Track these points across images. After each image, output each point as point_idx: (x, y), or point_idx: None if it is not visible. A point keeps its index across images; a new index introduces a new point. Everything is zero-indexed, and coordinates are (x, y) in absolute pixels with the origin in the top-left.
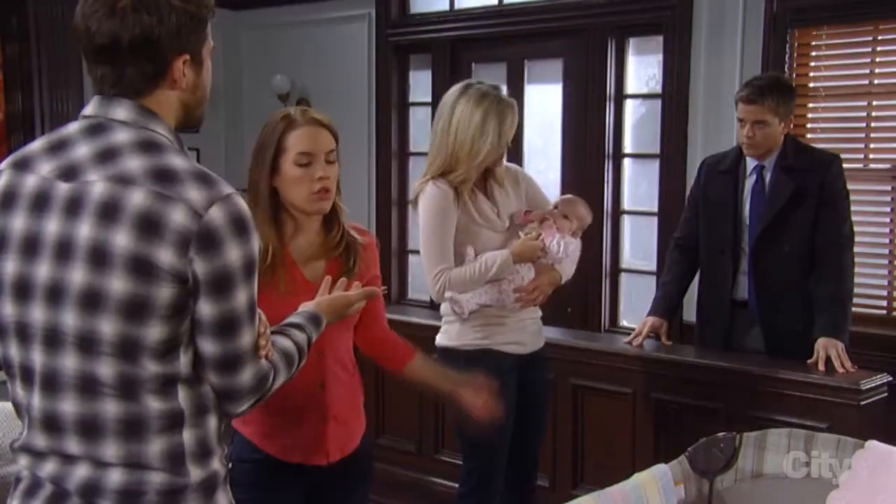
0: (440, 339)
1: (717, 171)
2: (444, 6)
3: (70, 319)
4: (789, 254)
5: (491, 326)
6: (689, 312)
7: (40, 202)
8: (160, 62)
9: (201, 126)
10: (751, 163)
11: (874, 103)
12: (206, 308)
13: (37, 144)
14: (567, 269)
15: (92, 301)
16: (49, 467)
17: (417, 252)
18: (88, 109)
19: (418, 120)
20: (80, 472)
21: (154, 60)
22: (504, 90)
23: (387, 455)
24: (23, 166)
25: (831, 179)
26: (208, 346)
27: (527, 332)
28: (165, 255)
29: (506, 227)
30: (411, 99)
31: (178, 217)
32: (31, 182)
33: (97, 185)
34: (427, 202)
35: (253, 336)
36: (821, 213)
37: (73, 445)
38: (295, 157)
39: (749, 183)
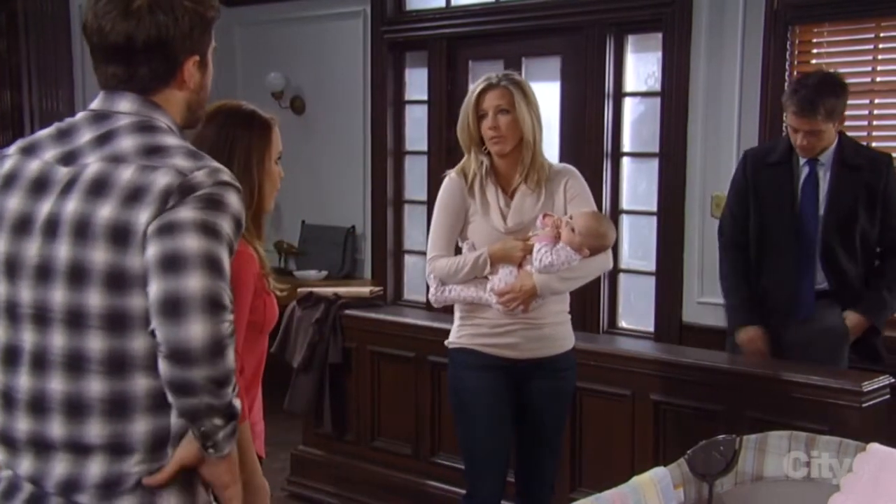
0: None
1: (765, 163)
2: (441, 3)
3: (58, 296)
4: (858, 248)
5: (470, 326)
6: (690, 314)
7: (38, 185)
8: (172, 62)
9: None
10: None
11: (876, 101)
12: (151, 250)
13: (46, 131)
14: (548, 282)
15: (77, 274)
16: (26, 464)
17: (414, 252)
18: (95, 104)
19: (414, 118)
20: (59, 468)
21: (167, 61)
22: (511, 74)
23: (383, 458)
24: (29, 151)
25: (893, 182)
26: (152, 291)
27: (519, 337)
28: (143, 216)
29: (511, 230)
30: (407, 97)
31: (162, 179)
32: (33, 166)
33: (91, 166)
34: (440, 191)
35: (209, 291)
36: (885, 214)
37: (56, 427)
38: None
39: (802, 175)
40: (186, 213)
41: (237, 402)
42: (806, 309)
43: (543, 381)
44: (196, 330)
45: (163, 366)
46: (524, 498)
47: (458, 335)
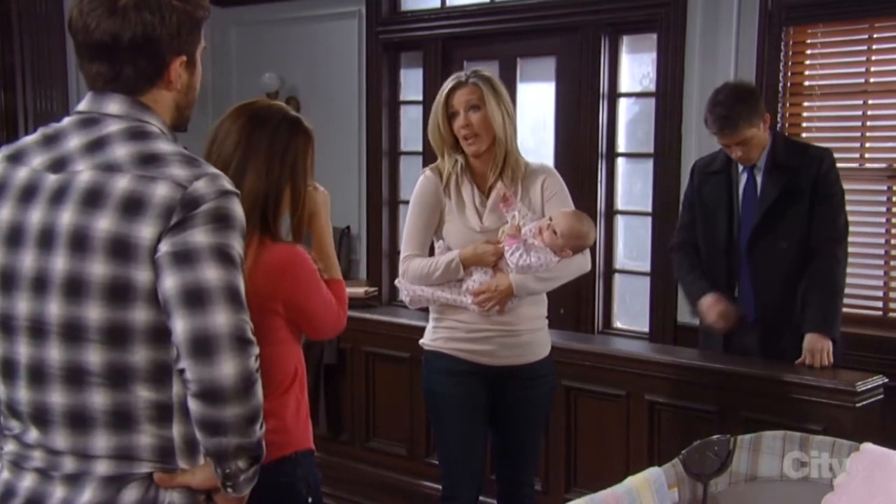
0: None
1: (708, 173)
2: (436, 3)
3: (55, 308)
4: (785, 251)
5: (444, 328)
6: (685, 314)
7: (27, 194)
8: (158, 62)
9: (187, 126)
10: None
11: (870, 102)
12: (170, 281)
13: (31, 137)
14: (524, 282)
15: (75, 288)
16: (38, 455)
17: None
18: (82, 105)
19: (409, 119)
20: (67, 466)
21: (153, 60)
22: (480, 71)
23: (377, 458)
24: (16, 159)
25: (823, 174)
26: (178, 324)
27: (495, 344)
28: (146, 231)
29: (487, 229)
30: (402, 97)
31: (161, 191)
32: (21, 174)
33: (83, 175)
34: (415, 188)
35: (236, 327)
36: (815, 209)
37: (60, 440)
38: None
39: (741, 182)
40: (199, 236)
41: (264, 443)
42: (752, 313)
43: (520, 387)
44: (227, 368)
45: (193, 405)
46: (506, 499)
47: (432, 337)
